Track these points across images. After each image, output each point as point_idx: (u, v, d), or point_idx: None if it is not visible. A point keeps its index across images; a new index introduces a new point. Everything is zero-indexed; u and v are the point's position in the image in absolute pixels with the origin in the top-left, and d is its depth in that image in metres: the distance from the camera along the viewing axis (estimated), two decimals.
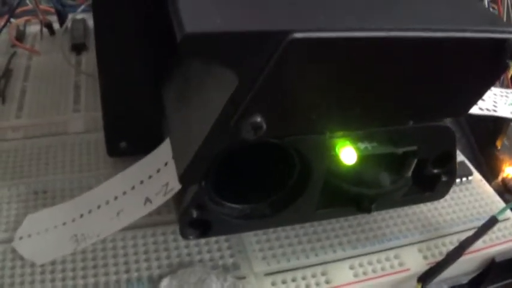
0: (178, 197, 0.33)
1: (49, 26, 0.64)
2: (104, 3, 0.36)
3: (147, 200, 0.34)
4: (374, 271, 0.39)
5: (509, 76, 0.54)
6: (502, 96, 0.47)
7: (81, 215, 0.37)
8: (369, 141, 0.34)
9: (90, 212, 0.37)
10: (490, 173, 0.55)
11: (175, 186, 0.32)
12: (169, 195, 0.33)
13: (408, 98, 0.32)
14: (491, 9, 0.54)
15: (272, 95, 0.28)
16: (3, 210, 0.41)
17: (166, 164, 0.34)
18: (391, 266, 0.39)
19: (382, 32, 0.28)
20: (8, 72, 0.57)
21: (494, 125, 0.56)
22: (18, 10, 0.65)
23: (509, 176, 0.54)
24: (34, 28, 0.66)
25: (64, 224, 0.38)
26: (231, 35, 0.26)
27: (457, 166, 0.44)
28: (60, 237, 0.37)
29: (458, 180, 0.47)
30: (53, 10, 0.66)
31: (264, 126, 0.28)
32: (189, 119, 0.33)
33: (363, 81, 0.30)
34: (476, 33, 0.30)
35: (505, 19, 0.53)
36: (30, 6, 0.65)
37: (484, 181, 0.49)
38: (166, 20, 0.29)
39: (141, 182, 0.35)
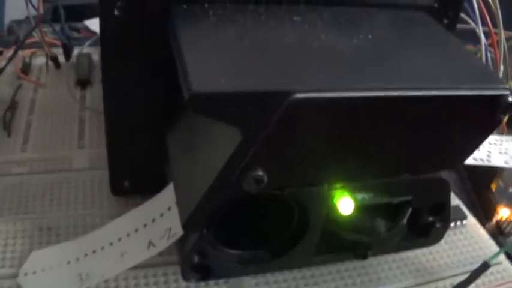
0: (181, 241, 0.34)
1: (54, 59, 0.65)
2: (113, 51, 0.37)
3: (151, 244, 0.35)
4: None
5: (504, 121, 0.56)
6: (496, 144, 0.49)
7: (86, 255, 0.38)
8: (366, 191, 0.35)
9: (94, 252, 0.38)
10: (484, 215, 0.56)
11: (178, 232, 0.34)
12: (172, 240, 0.34)
13: (404, 152, 0.34)
14: (488, 54, 0.55)
15: (273, 150, 0.29)
16: (8, 245, 0.42)
17: (169, 208, 0.35)
18: None
19: (379, 91, 0.29)
20: (13, 105, 0.58)
21: (489, 168, 0.57)
22: (26, 42, 0.66)
23: (503, 218, 0.55)
24: (39, 60, 0.67)
25: (68, 262, 0.39)
26: (235, 95, 0.27)
27: (452, 210, 0.45)
28: (65, 276, 0.38)
29: (452, 224, 0.48)
30: (58, 43, 0.67)
31: (266, 179, 0.30)
32: (193, 168, 0.34)
33: (361, 137, 0.31)
34: (471, 90, 0.32)
35: (501, 63, 0.54)
36: (36, 38, 0.66)
37: (478, 225, 0.50)
38: (174, 67, 0.30)
39: (145, 226, 0.37)
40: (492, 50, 0.54)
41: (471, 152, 0.36)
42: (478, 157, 0.45)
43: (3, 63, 0.63)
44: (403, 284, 0.43)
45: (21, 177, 0.49)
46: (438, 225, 0.40)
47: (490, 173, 0.57)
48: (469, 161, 0.43)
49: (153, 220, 0.36)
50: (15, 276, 0.39)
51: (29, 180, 0.49)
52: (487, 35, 0.54)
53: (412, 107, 0.31)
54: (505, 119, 0.55)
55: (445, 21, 0.43)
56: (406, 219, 0.38)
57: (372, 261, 0.43)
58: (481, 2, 0.49)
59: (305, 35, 0.34)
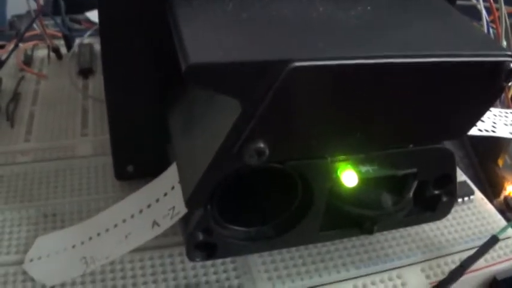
0: (185, 220, 0.34)
1: (56, 50, 0.65)
2: (112, 31, 0.37)
3: (155, 223, 0.35)
4: None
5: (510, 96, 0.55)
6: (501, 116, 0.48)
7: (90, 238, 0.38)
8: (370, 164, 0.35)
9: (99, 234, 0.38)
10: (492, 191, 0.55)
11: (182, 210, 0.33)
12: (176, 219, 0.34)
13: (407, 121, 0.33)
14: (490, 29, 0.55)
15: (274, 121, 0.29)
16: (13, 232, 0.42)
17: (173, 188, 0.35)
18: (394, 286, 0.40)
19: (379, 58, 0.29)
20: (16, 96, 0.58)
21: (496, 143, 0.57)
22: (26, 35, 0.65)
23: (511, 194, 0.55)
24: (41, 52, 0.67)
25: (73, 246, 0.39)
26: (233, 65, 0.27)
27: (459, 186, 0.45)
28: (70, 260, 0.38)
29: (460, 199, 0.48)
30: (59, 34, 0.67)
31: (267, 151, 0.29)
32: (194, 145, 0.34)
33: (363, 107, 0.31)
34: (472, 57, 0.31)
35: (503, 39, 0.54)
36: (37, 31, 0.66)
37: (485, 200, 0.49)
38: (173, 48, 0.30)
39: (149, 206, 0.36)
40: (494, 26, 0.54)
41: (475, 121, 0.35)
42: (483, 128, 0.45)
43: (5, 55, 0.63)
44: (411, 259, 0.42)
45: (25, 166, 0.49)
46: (445, 198, 0.39)
47: (496, 148, 0.57)
48: (474, 131, 0.42)
49: (157, 200, 0.36)
50: (20, 262, 0.39)
51: (33, 169, 0.49)
52: (489, 10, 0.54)
53: (413, 75, 0.31)
54: (511, 93, 0.55)
55: None
56: (412, 192, 0.38)
57: (379, 237, 0.43)
58: None
59: (303, 7, 0.34)
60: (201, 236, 0.34)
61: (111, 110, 0.41)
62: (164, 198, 0.36)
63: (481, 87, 0.33)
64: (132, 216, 0.37)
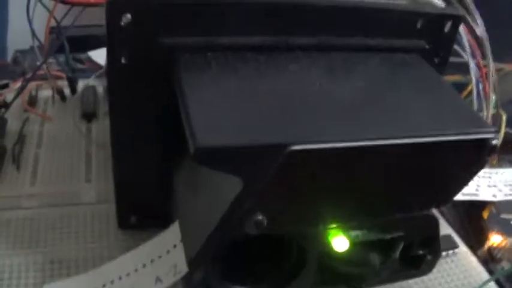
0: (186, 278, 0.37)
1: (60, 92, 0.68)
2: (120, 96, 0.40)
3: (158, 279, 0.38)
4: None
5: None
6: (484, 177, 0.51)
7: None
8: (360, 229, 0.38)
9: (104, 286, 0.41)
10: (476, 242, 0.58)
11: (184, 268, 0.36)
12: (178, 277, 0.37)
13: (395, 194, 0.36)
14: (479, 85, 0.58)
15: (272, 197, 0.32)
16: (21, 278, 0.44)
17: (175, 246, 0.38)
18: None
19: (371, 141, 0.32)
20: (21, 138, 0.60)
21: None
22: (30, 75, 0.68)
23: (495, 244, 0.58)
24: (45, 93, 0.69)
25: None
26: (236, 148, 0.30)
27: (444, 239, 0.48)
28: None
29: (444, 252, 0.50)
30: (63, 75, 0.69)
31: (265, 222, 0.32)
32: (197, 210, 0.37)
33: (355, 183, 0.34)
34: (459, 135, 0.35)
35: (492, 94, 0.57)
36: (41, 71, 0.69)
37: (469, 253, 0.53)
38: (177, 113, 0.33)
39: (152, 261, 0.39)
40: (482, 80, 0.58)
41: (459, 191, 0.39)
42: (466, 192, 0.48)
43: (11, 95, 0.65)
44: None
45: (32, 211, 0.51)
46: (429, 257, 0.42)
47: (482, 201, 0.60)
48: (458, 196, 0.45)
49: (160, 256, 0.39)
50: None
51: (39, 214, 0.51)
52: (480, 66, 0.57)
53: (403, 154, 0.34)
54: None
55: (436, 60, 0.46)
56: (398, 252, 0.41)
57: None
58: (470, 38, 0.52)
59: (301, 84, 0.37)
60: None
61: (117, 162, 0.44)
62: (167, 255, 0.38)
63: (466, 161, 0.36)
64: (136, 270, 0.40)
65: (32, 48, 0.75)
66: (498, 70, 0.62)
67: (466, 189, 0.48)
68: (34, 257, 0.46)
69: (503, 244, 0.59)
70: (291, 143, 0.30)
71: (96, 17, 0.68)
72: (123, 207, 0.47)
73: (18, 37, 0.90)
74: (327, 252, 0.38)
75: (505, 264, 0.56)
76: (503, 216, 0.63)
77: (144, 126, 0.41)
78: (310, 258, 0.38)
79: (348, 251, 0.38)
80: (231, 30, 0.38)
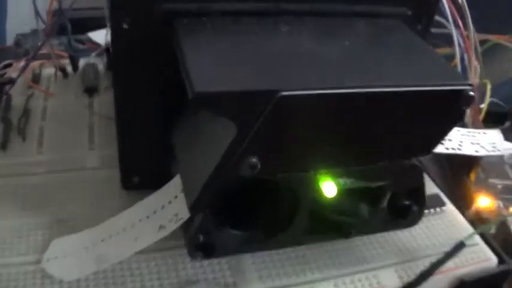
0: (186, 224, 0.40)
1: (63, 69, 0.71)
2: (123, 59, 0.43)
3: (161, 227, 0.41)
4: None
5: (481, 118, 0.62)
6: (468, 136, 0.55)
7: (103, 240, 0.44)
8: (348, 177, 0.41)
9: (110, 237, 0.44)
10: (464, 204, 0.62)
11: (185, 215, 0.40)
12: (180, 223, 0.40)
13: (380, 141, 0.40)
14: (465, 55, 0.61)
15: (265, 141, 0.35)
16: (31, 235, 0.48)
17: (176, 197, 0.41)
18: (370, 285, 0.47)
19: (354, 89, 0.36)
20: (26, 112, 0.64)
21: (469, 159, 0.64)
22: (33, 54, 0.72)
23: (482, 207, 0.62)
24: (48, 71, 0.73)
25: (87, 247, 0.45)
26: (230, 93, 0.33)
27: (432, 198, 0.52)
28: (84, 259, 0.44)
29: (432, 210, 0.55)
30: (64, 54, 0.73)
31: (259, 165, 0.36)
32: (196, 160, 0.40)
33: (342, 130, 0.37)
34: (438, 86, 0.38)
35: (473, 54, 0.61)
36: (44, 50, 0.73)
37: (456, 211, 0.56)
38: (177, 77, 0.37)
39: (155, 212, 0.43)
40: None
41: (439, 141, 0.42)
42: (450, 146, 0.52)
43: (15, 74, 0.69)
44: (386, 262, 0.49)
45: (39, 177, 0.55)
46: (415, 208, 0.46)
47: (469, 163, 0.64)
48: (442, 149, 0.49)
49: (162, 207, 0.42)
50: (39, 262, 0.45)
51: (47, 179, 0.54)
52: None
53: (387, 103, 0.37)
54: (481, 116, 0.62)
55: (419, 27, 0.49)
56: (385, 202, 0.44)
57: (357, 242, 0.50)
58: (453, 9, 0.56)
59: (292, 42, 0.41)
60: (201, 238, 0.40)
61: (121, 130, 0.48)
62: (169, 205, 0.42)
63: (445, 111, 0.40)
64: (140, 220, 0.43)
65: (33, 31, 0.79)
66: (484, 41, 0.65)
67: (450, 144, 0.51)
68: (42, 217, 0.50)
69: (490, 206, 0.62)
70: (281, 89, 0.33)
71: (93, 0, 0.72)
72: (126, 169, 0.51)
73: (16, 22, 0.94)
74: (317, 199, 0.41)
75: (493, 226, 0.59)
76: (491, 180, 0.67)
77: (145, 90, 0.45)
78: (302, 204, 0.41)
79: (337, 200, 0.42)
80: None
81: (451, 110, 0.40)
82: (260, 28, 0.42)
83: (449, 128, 0.41)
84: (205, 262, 0.46)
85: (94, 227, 0.46)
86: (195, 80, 0.34)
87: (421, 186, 0.45)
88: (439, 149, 0.46)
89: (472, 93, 0.38)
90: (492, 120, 0.76)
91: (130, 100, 0.46)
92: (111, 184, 0.54)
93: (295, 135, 0.36)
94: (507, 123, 0.79)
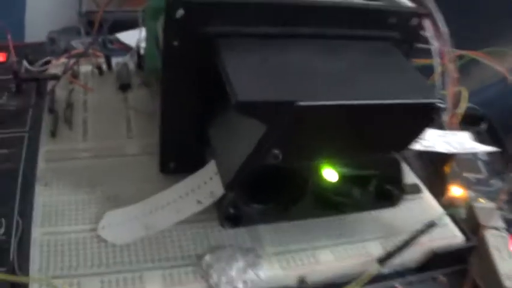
0: (220, 200, 0.52)
1: (99, 67, 0.82)
2: (171, 69, 0.54)
3: (199, 202, 0.53)
4: (347, 255, 0.58)
5: (457, 122, 0.74)
6: (442, 136, 0.67)
7: (150, 212, 0.56)
8: (344, 166, 0.54)
9: (156, 209, 0.56)
10: (440, 192, 0.74)
11: (220, 192, 0.52)
12: (215, 198, 0.52)
13: (369, 139, 0.52)
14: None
15: (285, 139, 0.47)
16: (85, 209, 0.58)
17: (211, 178, 0.53)
18: (359, 252, 0.59)
19: (353, 101, 0.48)
20: (70, 105, 0.74)
21: (446, 156, 0.76)
22: (74, 52, 0.83)
23: (454, 195, 0.74)
24: (84, 68, 0.83)
25: (137, 218, 0.56)
26: (263, 103, 0.46)
27: (412, 186, 0.64)
28: (134, 227, 0.56)
29: (411, 196, 0.66)
30: (99, 54, 0.85)
31: (280, 156, 0.48)
32: (231, 150, 0.52)
33: (341, 131, 0.50)
34: (413, 99, 0.50)
35: (454, 74, 0.73)
36: (81, 49, 0.84)
37: (432, 198, 0.68)
38: (213, 83, 0.49)
39: (192, 190, 0.54)
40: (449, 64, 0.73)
41: (413, 140, 0.54)
42: (425, 144, 0.64)
43: (55, 70, 0.80)
44: (373, 235, 0.61)
45: (87, 161, 0.65)
46: (395, 192, 0.57)
47: (446, 159, 0.76)
48: (418, 146, 0.61)
49: (199, 187, 0.54)
50: (94, 230, 0.56)
51: (94, 163, 0.65)
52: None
53: (375, 111, 0.49)
54: (458, 119, 0.74)
55: (405, 46, 0.60)
56: (373, 187, 0.57)
57: (350, 218, 0.61)
58: (434, 30, 0.68)
59: (304, 60, 0.53)
60: (231, 210, 0.52)
61: (163, 123, 0.58)
62: (205, 185, 0.53)
63: (419, 118, 0.52)
64: (181, 197, 0.55)
65: (64, 29, 0.91)
66: (460, 56, 0.77)
67: (425, 143, 0.64)
68: (94, 194, 0.61)
69: (462, 195, 0.75)
70: (298, 100, 0.45)
71: (115, 4, 0.83)
72: (165, 156, 0.62)
73: (52, 19, 1.05)
74: (320, 182, 0.54)
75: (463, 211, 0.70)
76: (465, 174, 0.79)
77: (188, 91, 0.56)
78: (309, 187, 0.53)
79: (336, 184, 0.54)
80: (256, 22, 0.53)
81: (423, 117, 0.51)
82: (280, 47, 0.53)
83: (422, 131, 0.53)
84: (230, 231, 0.57)
85: (142, 201, 0.57)
86: (237, 90, 0.45)
87: (399, 175, 0.56)
88: (416, 146, 0.58)
89: (440, 105, 0.50)
90: (470, 122, 0.89)
91: (173, 101, 0.56)
92: (149, 168, 0.64)
93: (306, 134, 0.48)
94: (483, 125, 0.92)
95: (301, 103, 0.45)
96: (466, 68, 0.79)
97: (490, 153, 0.85)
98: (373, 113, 0.49)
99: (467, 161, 0.82)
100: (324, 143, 0.51)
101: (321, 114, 0.47)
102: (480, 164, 0.83)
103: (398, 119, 0.51)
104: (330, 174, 0.53)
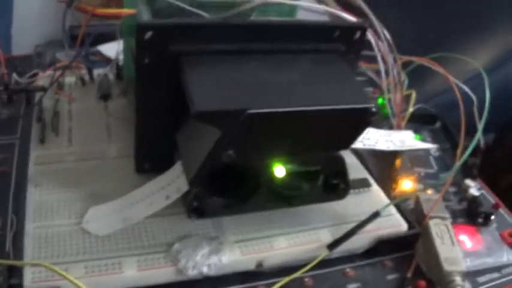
0: (185, 194, 0.60)
1: (82, 78, 0.90)
2: (144, 83, 0.62)
3: (167, 197, 0.62)
4: (300, 242, 0.65)
5: (404, 122, 0.83)
6: (385, 136, 0.76)
7: (127, 206, 0.64)
8: (292, 163, 0.62)
9: (132, 204, 0.64)
10: (391, 187, 0.81)
11: (185, 188, 0.60)
12: (181, 193, 0.60)
13: (314, 139, 0.60)
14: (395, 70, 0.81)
15: (239, 141, 0.55)
16: (71, 206, 0.64)
17: (178, 176, 0.61)
18: (311, 239, 0.65)
19: (297, 107, 0.56)
20: (56, 114, 0.81)
21: (397, 153, 0.85)
22: (59, 65, 0.90)
23: (404, 188, 0.81)
24: (68, 79, 0.90)
25: (115, 212, 0.64)
26: (218, 111, 0.54)
27: (361, 180, 0.72)
28: (114, 220, 0.63)
29: (361, 189, 0.74)
30: (82, 66, 0.92)
31: (234, 155, 0.56)
32: (193, 151, 0.60)
33: (288, 133, 0.57)
34: (352, 105, 0.58)
35: (401, 78, 0.81)
36: (65, 62, 0.92)
37: (380, 191, 0.75)
38: (180, 95, 0.58)
39: (163, 188, 0.62)
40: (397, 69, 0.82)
41: (354, 140, 0.62)
42: (367, 143, 0.73)
43: (42, 82, 0.87)
44: (323, 224, 0.67)
45: (72, 164, 0.72)
46: (342, 186, 0.65)
47: (396, 155, 0.84)
48: (359, 145, 0.70)
49: (168, 184, 0.62)
50: (79, 223, 0.62)
51: (78, 165, 0.72)
52: (394, 59, 0.82)
53: (317, 116, 0.57)
54: (405, 120, 0.83)
55: (351, 57, 0.69)
56: (321, 181, 0.64)
57: (303, 209, 0.68)
58: (377, 40, 0.77)
59: (258, 73, 0.61)
60: (195, 203, 0.60)
61: (138, 129, 0.65)
62: (173, 182, 0.62)
63: (357, 121, 0.60)
64: (153, 193, 0.63)
65: (49, 42, 0.99)
66: (407, 62, 0.86)
67: (367, 142, 0.72)
68: (79, 193, 0.68)
69: (412, 188, 0.83)
70: (248, 108, 0.53)
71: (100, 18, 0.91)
72: (140, 157, 0.68)
73: (38, 32, 1.12)
74: (272, 178, 0.61)
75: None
76: (416, 169, 0.88)
77: (158, 102, 0.63)
78: (263, 181, 0.61)
79: (286, 179, 0.62)
80: (216, 41, 0.61)
81: (360, 121, 0.59)
82: (237, 63, 0.61)
83: (360, 133, 0.61)
84: (196, 222, 0.63)
85: (121, 198, 0.65)
86: (195, 101, 0.54)
87: (344, 170, 0.64)
88: (358, 145, 0.67)
89: (374, 109, 0.59)
90: (425, 122, 0.98)
91: (146, 111, 0.63)
92: (127, 169, 0.70)
93: (258, 137, 0.56)
94: (438, 123, 1.01)
95: (251, 111, 0.53)
96: (425, 74, 0.88)
97: (442, 151, 0.94)
98: (314, 117, 0.57)
99: (419, 157, 0.90)
100: (273, 144, 0.58)
101: (269, 120, 0.55)
102: (431, 159, 0.92)
103: (337, 123, 0.59)
104: (280, 170, 0.61)
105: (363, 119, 0.59)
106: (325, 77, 0.64)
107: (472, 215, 0.80)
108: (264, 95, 0.57)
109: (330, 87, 0.62)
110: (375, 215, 0.67)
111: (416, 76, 0.87)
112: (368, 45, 0.75)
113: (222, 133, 0.54)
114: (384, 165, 0.85)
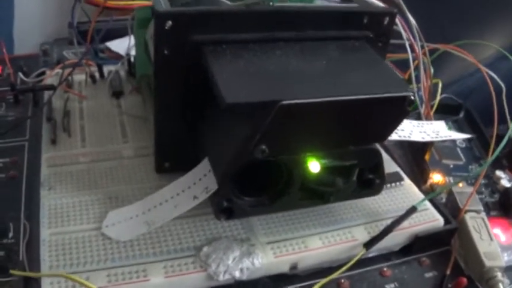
0: (214, 194, 0.57)
1: (92, 76, 0.87)
2: (163, 75, 0.59)
3: (195, 197, 0.58)
4: (335, 241, 0.63)
5: (432, 112, 0.80)
6: (418, 126, 0.72)
7: (149, 209, 0.61)
8: (327, 158, 0.58)
9: (155, 206, 0.61)
10: (421, 179, 0.79)
11: (214, 187, 0.56)
12: (210, 193, 0.56)
13: (350, 133, 0.57)
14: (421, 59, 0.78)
15: (272, 134, 0.51)
16: (89, 209, 0.62)
17: (205, 175, 0.58)
18: (346, 238, 0.63)
19: (332, 97, 0.52)
20: (67, 113, 0.78)
21: (425, 144, 0.81)
22: (67, 62, 0.88)
23: (434, 181, 0.79)
24: (78, 77, 0.88)
25: (138, 215, 0.61)
26: (247, 104, 0.50)
27: (393, 174, 0.69)
28: (135, 224, 0.60)
29: (393, 184, 0.71)
30: (91, 63, 0.89)
31: (267, 151, 0.52)
32: (221, 148, 0.57)
33: (323, 126, 0.54)
34: (388, 93, 0.54)
35: (429, 67, 0.78)
36: (73, 59, 0.89)
37: (413, 185, 0.72)
38: (202, 87, 0.54)
39: (189, 187, 0.59)
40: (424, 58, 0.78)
41: (391, 131, 0.59)
42: (402, 135, 0.69)
43: (50, 80, 0.84)
44: (357, 222, 0.65)
45: (87, 165, 0.70)
46: (377, 181, 0.62)
47: (425, 148, 0.81)
48: (395, 137, 0.67)
49: (194, 183, 0.59)
50: (99, 228, 0.59)
51: (93, 166, 0.69)
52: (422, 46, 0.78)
53: (353, 106, 0.53)
54: (433, 110, 0.80)
55: (380, 44, 0.66)
56: (355, 176, 0.61)
57: (336, 207, 0.66)
58: (406, 27, 0.73)
59: (285, 62, 0.57)
60: (225, 203, 0.56)
61: (158, 126, 0.63)
62: (200, 182, 0.58)
63: (394, 111, 0.56)
64: (178, 194, 0.60)
65: (56, 40, 0.95)
66: (434, 49, 0.83)
67: (402, 133, 0.69)
68: (96, 195, 0.65)
69: (442, 181, 0.80)
70: (281, 100, 0.49)
71: (106, 13, 0.88)
72: (160, 156, 0.67)
73: (43, 31, 1.09)
74: (306, 174, 0.58)
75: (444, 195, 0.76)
76: (444, 161, 0.85)
77: (179, 97, 0.61)
78: (296, 178, 0.58)
79: (320, 175, 0.58)
80: (238, 29, 0.59)
81: (398, 110, 0.56)
82: (262, 51, 0.58)
83: (398, 123, 0.58)
84: (225, 223, 0.62)
85: (142, 200, 0.62)
86: (224, 93, 0.50)
87: (380, 164, 0.61)
88: (393, 137, 0.63)
89: (412, 97, 0.55)
90: (448, 112, 0.94)
91: (166, 107, 0.61)
92: (146, 169, 0.69)
93: (291, 130, 0.53)
94: (461, 114, 0.97)
95: (285, 102, 0.49)
96: (442, 60, 0.85)
97: (469, 141, 0.91)
98: (351, 107, 0.54)
99: (446, 148, 0.88)
100: (307, 138, 0.55)
101: (303, 111, 0.51)
102: (459, 151, 0.89)
103: (375, 112, 0.55)
104: (315, 166, 0.58)
105: (402, 108, 0.56)
106: (356, 64, 0.61)
107: (504, 207, 0.79)
108: (295, 85, 0.54)
109: (363, 75, 0.58)
110: (412, 210, 0.64)
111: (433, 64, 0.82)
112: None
113: (254, 127, 0.51)
114: (411, 158, 0.82)
